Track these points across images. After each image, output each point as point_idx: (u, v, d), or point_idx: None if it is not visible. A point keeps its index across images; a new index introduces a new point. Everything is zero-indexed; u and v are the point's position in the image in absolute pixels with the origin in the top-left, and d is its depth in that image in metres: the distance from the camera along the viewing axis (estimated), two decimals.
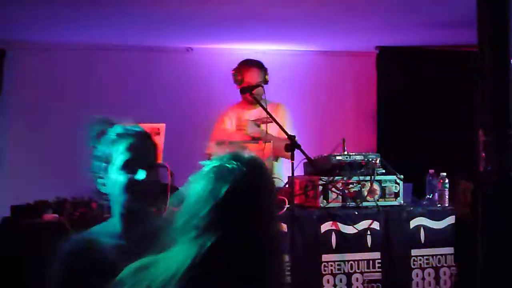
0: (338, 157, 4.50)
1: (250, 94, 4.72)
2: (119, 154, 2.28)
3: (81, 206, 4.24)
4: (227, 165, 1.73)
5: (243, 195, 1.70)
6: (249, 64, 5.24)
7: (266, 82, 5.23)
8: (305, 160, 4.62)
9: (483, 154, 2.55)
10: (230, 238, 1.67)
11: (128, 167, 2.26)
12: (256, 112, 5.26)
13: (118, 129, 2.33)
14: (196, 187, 1.74)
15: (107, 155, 2.30)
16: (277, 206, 1.84)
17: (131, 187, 2.25)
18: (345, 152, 4.58)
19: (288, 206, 4.17)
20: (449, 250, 4.51)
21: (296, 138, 5.01)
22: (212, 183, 1.71)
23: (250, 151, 1.83)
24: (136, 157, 2.26)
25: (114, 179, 2.28)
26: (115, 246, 2.22)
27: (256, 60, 5.29)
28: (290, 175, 4.29)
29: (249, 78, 5.16)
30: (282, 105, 5.42)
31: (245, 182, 1.71)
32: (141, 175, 2.23)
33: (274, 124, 5.16)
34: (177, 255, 1.69)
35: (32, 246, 3.94)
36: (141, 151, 2.27)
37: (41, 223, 4.06)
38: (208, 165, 1.77)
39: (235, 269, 1.67)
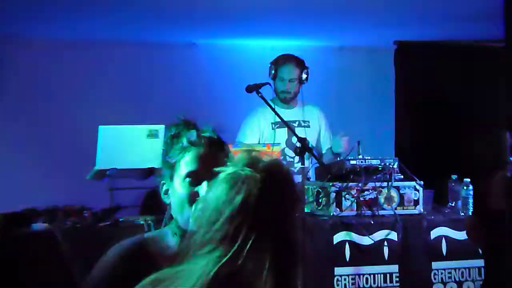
0: (352, 162, 4.48)
1: (257, 93, 4.68)
2: (185, 164, 2.29)
3: (73, 215, 4.23)
4: (241, 172, 1.76)
5: (257, 204, 1.72)
6: (285, 58, 5.25)
7: (301, 81, 5.23)
8: (317, 165, 4.59)
9: None
10: (246, 250, 1.70)
11: (192, 179, 2.26)
12: (292, 113, 5.23)
13: (192, 135, 2.33)
14: (211, 197, 1.78)
15: (175, 162, 2.31)
16: (297, 213, 1.85)
17: (192, 200, 2.25)
18: (360, 156, 4.55)
19: (298, 214, 4.13)
20: (473, 263, 4.47)
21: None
22: (226, 193, 1.75)
23: (269, 155, 1.86)
24: (202, 170, 2.26)
25: (177, 189, 2.30)
26: (167, 255, 2.24)
27: (295, 56, 5.29)
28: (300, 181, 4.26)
29: (282, 74, 5.18)
30: (321, 110, 5.40)
31: (259, 190, 1.73)
32: (203, 189, 2.21)
33: (312, 130, 5.15)
34: (193, 269, 1.72)
35: (20, 258, 3.92)
36: (210, 163, 2.18)
37: (30, 233, 4.04)
38: (222, 173, 1.80)
39: (252, 282, 1.70)
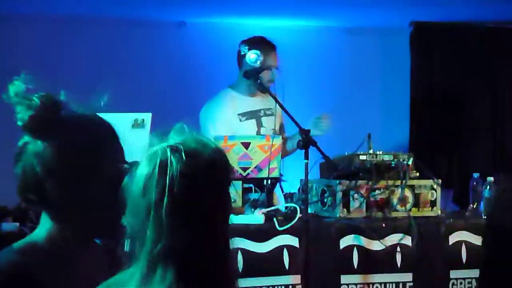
0: (362, 157, 4.51)
1: (256, 80, 4.73)
2: (21, 162, 1.95)
3: None
4: (159, 151, 1.75)
5: (179, 183, 1.71)
6: (268, 44, 5.19)
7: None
8: (322, 160, 4.62)
9: None
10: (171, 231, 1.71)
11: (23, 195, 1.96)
12: (257, 102, 5.27)
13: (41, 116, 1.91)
14: (134, 178, 1.77)
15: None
16: (219, 214, 1.79)
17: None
18: (371, 151, 4.59)
19: (301, 215, 4.18)
20: None
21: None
22: (147, 169, 1.74)
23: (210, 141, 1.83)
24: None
25: None
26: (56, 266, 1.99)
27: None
28: (303, 177, 4.29)
29: (271, 62, 5.13)
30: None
31: (183, 170, 1.71)
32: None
33: (277, 118, 5.17)
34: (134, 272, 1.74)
35: None
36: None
37: None
38: (148, 150, 1.79)
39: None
